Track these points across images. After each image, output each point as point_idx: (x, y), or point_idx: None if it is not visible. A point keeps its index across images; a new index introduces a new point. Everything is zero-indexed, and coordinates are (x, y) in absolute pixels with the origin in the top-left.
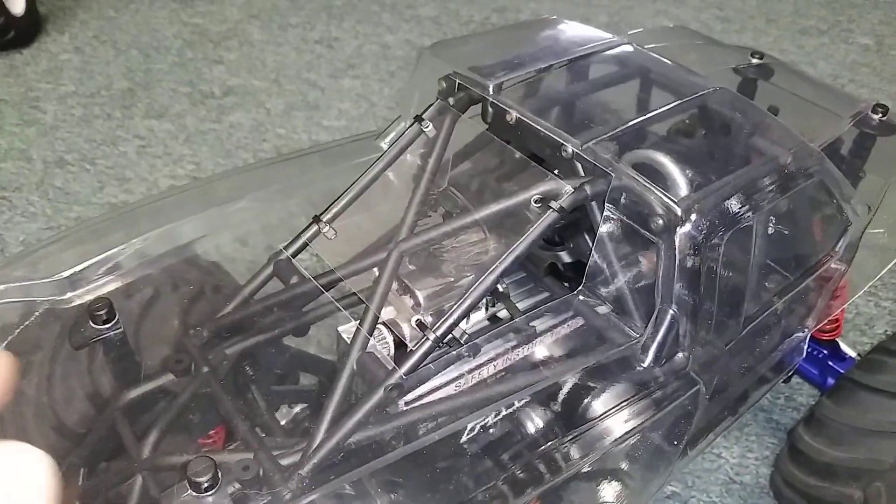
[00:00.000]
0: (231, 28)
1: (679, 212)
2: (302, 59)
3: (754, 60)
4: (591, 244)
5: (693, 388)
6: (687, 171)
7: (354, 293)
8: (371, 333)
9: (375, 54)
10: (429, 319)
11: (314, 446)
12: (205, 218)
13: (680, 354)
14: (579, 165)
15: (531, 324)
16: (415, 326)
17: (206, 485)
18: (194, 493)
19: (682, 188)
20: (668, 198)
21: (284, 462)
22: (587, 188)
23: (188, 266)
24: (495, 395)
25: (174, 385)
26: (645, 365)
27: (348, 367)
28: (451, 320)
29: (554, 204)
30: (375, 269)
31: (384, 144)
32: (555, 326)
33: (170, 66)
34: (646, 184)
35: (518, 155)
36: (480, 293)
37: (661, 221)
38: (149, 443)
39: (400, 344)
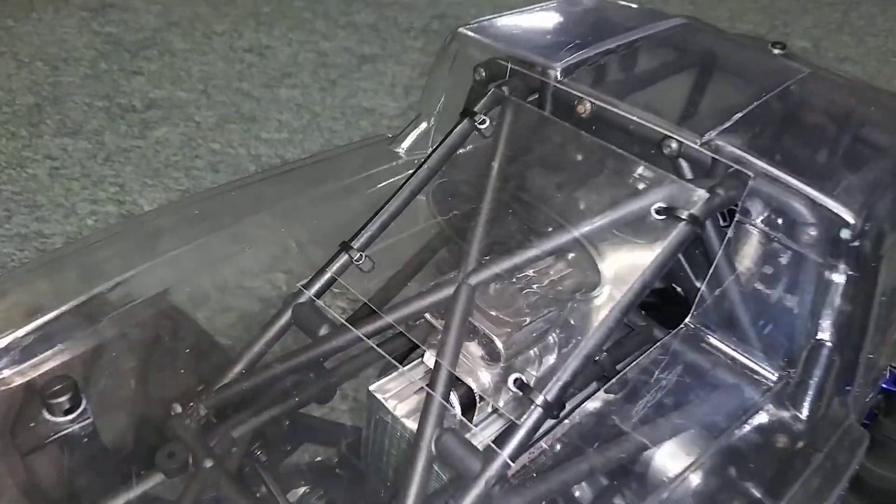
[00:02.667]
0: (149, 37)
1: (851, 219)
2: (231, 68)
3: (776, 51)
4: (684, 262)
5: (860, 446)
6: (834, 169)
7: (414, 343)
8: (447, 399)
9: (313, 62)
10: (519, 375)
11: None
12: (178, 258)
13: (835, 401)
14: (685, 165)
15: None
16: (513, 388)
17: None
18: None
19: (841, 190)
20: (834, 201)
21: None
22: (720, 191)
23: (165, 321)
24: (593, 468)
25: (166, 489)
26: (803, 417)
27: (423, 453)
28: (563, 380)
29: (682, 213)
30: (427, 314)
31: (402, 151)
32: (650, 373)
33: (82, 79)
34: (799, 183)
35: (617, 151)
36: (599, 341)
37: (821, 231)
38: None
39: (468, 405)
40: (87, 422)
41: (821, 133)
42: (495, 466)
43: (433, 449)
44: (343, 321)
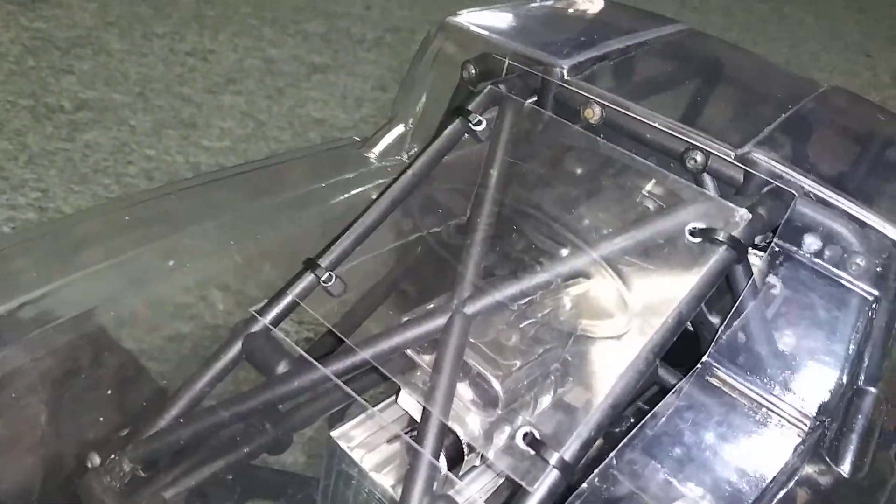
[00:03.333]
0: (83, 35)
1: None
2: (171, 71)
3: None
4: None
5: None
6: (880, 191)
7: (383, 380)
8: (438, 457)
9: (259, 69)
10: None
11: None
12: (104, 272)
13: (881, 455)
14: (710, 182)
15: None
16: (522, 445)
17: None
18: None
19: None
20: (891, 225)
21: None
22: (762, 212)
23: (86, 348)
24: None
25: None
26: (846, 472)
27: None
28: (585, 436)
29: (722, 235)
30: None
31: (374, 156)
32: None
33: (5, 76)
34: (850, 204)
35: (640, 161)
36: (628, 387)
37: (872, 260)
38: None
39: (454, 458)
40: None
41: (856, 152)
42: None
43: None
44: (307, 356)
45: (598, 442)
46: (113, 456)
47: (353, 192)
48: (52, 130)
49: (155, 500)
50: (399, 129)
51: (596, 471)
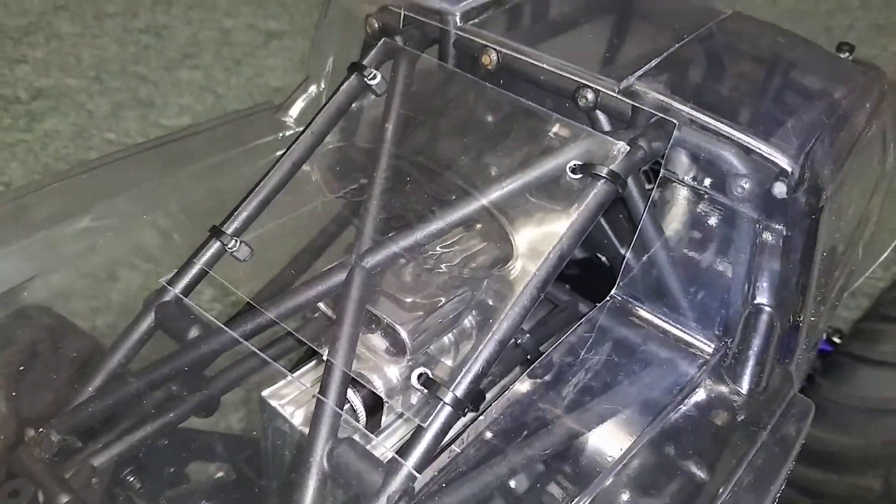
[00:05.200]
0: (34, 22)
1: (788, 166)
2: (126, 51)
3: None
4: (607, 228)
5: (806, 417)
6: (765, 115)
7: (300, 341)
8: (342, 405)
9: (215, 41)
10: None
11: None
12: (26, 249)
13: (777, 370)
14: (602, 117)
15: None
16: (417, 385)
17: None
18: None
19: (776, 136)
20: (770, 147)
21: None
22: (643, 143)
23: (9, 326)
24: (516, 465)
25: None
26: (744, 391)
27: (314, 470)
28: (475, 371)
29: (601, 170)
30: (322, 305)
31: (290, 118)
32: (576, 353)
33: None
34: (730, 130)
35: (526, 104)
36: (515, 322)
37: (755, 182)
38: None
39: (372, 407)
40: None
41: (748, 78)
42: (398, 480)
43: (326, 464)
44: (216, 321)
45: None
46: (41, 429)
47: (269, 158)
48: (10, 122)
49: (83, 467)
50: (313, 91)
51: (497, 400)
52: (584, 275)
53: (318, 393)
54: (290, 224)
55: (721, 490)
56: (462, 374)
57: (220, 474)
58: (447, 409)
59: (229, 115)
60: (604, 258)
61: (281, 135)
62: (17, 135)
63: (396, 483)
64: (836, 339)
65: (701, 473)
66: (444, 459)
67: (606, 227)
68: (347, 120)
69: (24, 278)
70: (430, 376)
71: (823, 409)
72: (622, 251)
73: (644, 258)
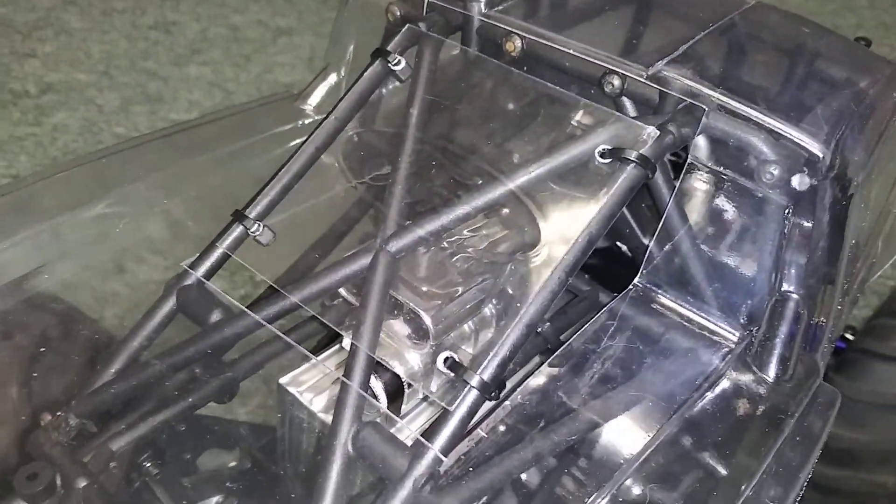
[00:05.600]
0: (42, 17)
1: (819, 152)
2: (135, 46)
3: None
4: (629, 216)
5: (833, 406)
6: (794, 102)
7: (323, 324)
8: (366, 388)
9: (224, 37)
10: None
11: None
12: (33, 238)
13: (803, 359)
14: (629, 104)
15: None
16: (443, 369)
17: None
18: None
19: (806, 122)
20: (800, 133)
21: None
22: (672, 129)
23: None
24: (538, 453)
25: None
26: (770, 379)
27: (338, 453)
28: (501, 355)
29: (630, 154)
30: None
31: (309, 108)
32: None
33: None
34: (760, 115)
35: (553, 89)
36: (541, 308)
37: (785, 169)
38: None
39: (394, 393)
40: None
41: (775, 66)
42: (424, 463)
43: (350, 448)
44: (238, 305)
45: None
46: (59, 413)
47: (288, 146)
48: (20, 116)
49: (101, 451)
50: (333, 79)
51: (521, 387)
52: (604, 265)
53: (343, 376)
54: (312, 210)
55: (747, 480)
56: (489, 357)
57: (237, 462)
58: (474, 393)
59: (248, 103)
60: (625, 248)
61: (300, 123)
62: (26, 128)
63: (423, 467)
64: (849, 336)
65: (726, 463)
66: (463, 447)
67: (629, 215)
68: (369, 107)
69: (34, 267)
70: (457, 360)
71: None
72: (644, 240)
73: (668, 246)
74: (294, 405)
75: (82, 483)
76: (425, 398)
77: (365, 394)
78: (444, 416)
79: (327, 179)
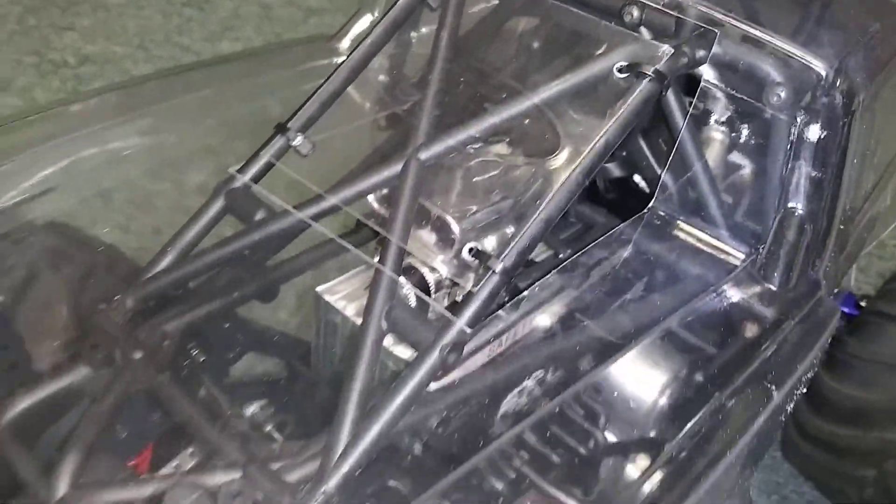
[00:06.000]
0: None
1: (822, 70)
2: (170, 22)
3: None
4: (643, 145)
5: (831, 317)
6: (802, 25)
7: (364, 224)
8: (399, 274)
9: (256, 15)
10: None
11: (339, 448)
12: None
13: (806, 272)
14: (647, 34)
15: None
16: (468, 257)
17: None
18: None
19: (812, 43)
20: (805, 52)
21: (290, 478)
22: (686, 50)
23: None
24: (559, 352)
25: (91, 382)
26: (774, 288)
27: (372, 328)
28: (521, 246)
29: (647, 69)
30: (371, 198)
31: (343, 46)
32: (612, 261)
33: (8, 35)
34: (768, 37)
35: (575, 12)
36: (560, 204)
37: (791, 88)
38: (65, 473)
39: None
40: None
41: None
42: (451, 334)
43: (383, 322)
44: (282, 203)
45: None
46: (117, 297)
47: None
48: (59, 84)
49: (155, 331)
50: (367, 19)
51: (539, 281)
52: (622, 199)
53: (378, 263)
54: (350, 129)
55: (743, 374)
56: (510, 247)
57: (273, 365)
58: (495, 277)
59: (284, 42)
60: (641, 181)
61: (334, 60)
62: (64, 97)
63: (449, 336)
64: (862, 304)
65: (727, 355)
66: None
67: (646, 147)
68: (401, 36)
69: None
70: (481, 248)
71: (850, 366)
72: (659, 171)
73: (680, 171)
74: (329, 312)
75: (138, 355)
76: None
77: (396, 276)
78: (468, 296)
79: (364, 100)
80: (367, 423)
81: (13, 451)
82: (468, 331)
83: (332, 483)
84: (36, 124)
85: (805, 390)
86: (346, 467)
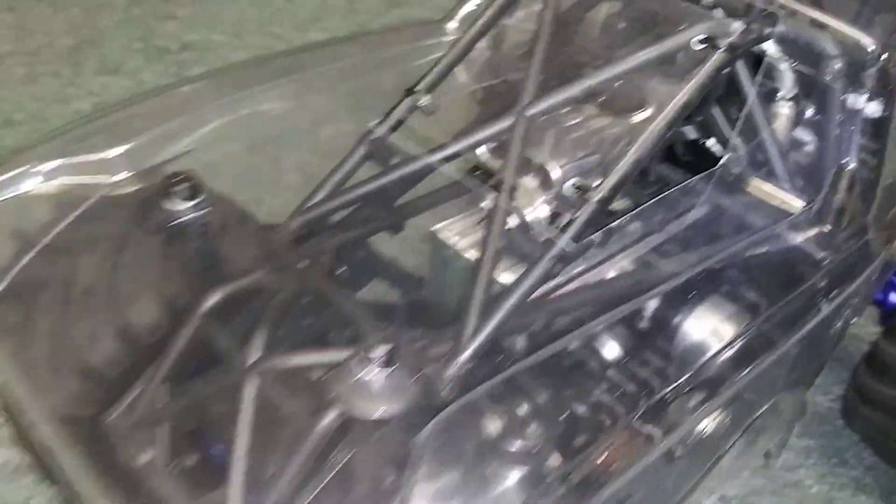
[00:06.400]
0: None
1: (871, 45)
2: (262, 13)
3: None
4: (714, 114)
5: (875, 258)
6: (855, 6)
7: (476, 169)
8: (509, 206)
9: (342, 7)
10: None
11: (469, 332)
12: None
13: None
14: (721, 13)
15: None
16: (570, 189)
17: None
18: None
19: (863, 22)
20: (857, 30)
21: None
22: (755, 27)
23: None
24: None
25: (270, 282)
26: (827, 230)
27: (491, 244)
28: (614, 180)
29: (721, 42)
30: (482, 150)
31: (452, 26)
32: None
33: (117, 23)
34: (824, 17)
35: None
36: (649, 147)
37: (845, 61)
38: (257, 345)
39: None
40: (206, 211)
41: None
42: (557, 248)
43: (498, 241)
44: (414, 150)
45: None
46: (284, 221)
47: (432, 57)
48: (163, 68)
49: (315, 246)
50: (473, 2)
51: (617, 221)
52: (696, 162)
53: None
54: (465, 94)
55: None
56: (605, 180)
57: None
58: (594, 205)
59: (398, 24)
60: (713, 146)
61: (445, 39)
62: (169, 79)
63: (556, 249)
64: None
65: (777, 286)
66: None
67: (718, 114)
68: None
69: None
70: (582, 184)
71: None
72: (729, 135)
73: (749, 134)
74: (442, 249)
75: (303, 264)
76: None
77: (510, 207)
78: (569, 222)
79: (475, 74)
80: (488, 315)
81: (214, 329)
82: (573, 243)
83: (466, 355)
84: (189, 91)
85: (868, 354)
86: (474, 346)
